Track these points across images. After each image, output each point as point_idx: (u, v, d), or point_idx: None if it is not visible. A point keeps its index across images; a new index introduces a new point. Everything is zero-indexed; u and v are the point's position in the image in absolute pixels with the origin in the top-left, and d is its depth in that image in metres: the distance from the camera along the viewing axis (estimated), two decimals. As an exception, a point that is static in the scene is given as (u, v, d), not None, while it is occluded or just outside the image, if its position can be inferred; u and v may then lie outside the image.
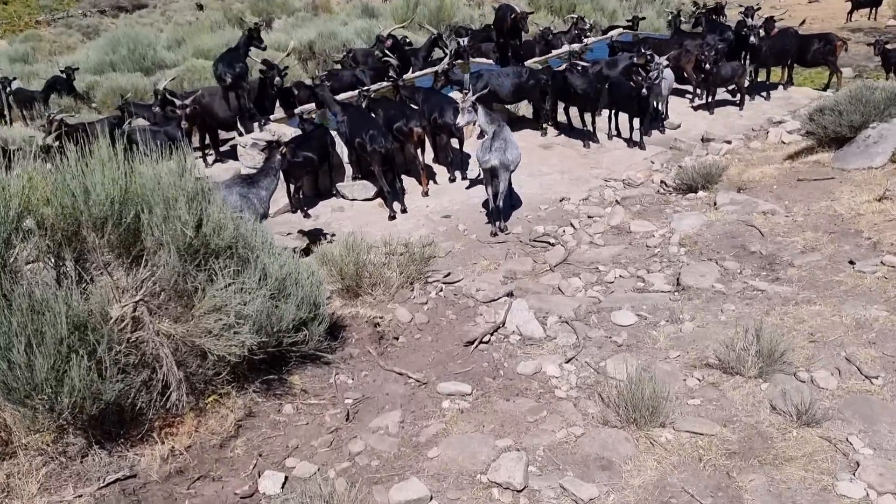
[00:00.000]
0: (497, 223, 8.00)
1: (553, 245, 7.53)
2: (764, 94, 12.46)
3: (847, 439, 3.95)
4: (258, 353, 4.46)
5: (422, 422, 4.45)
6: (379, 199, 9.14)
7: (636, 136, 10.30)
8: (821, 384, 4.44)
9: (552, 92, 10.50)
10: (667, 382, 4.45)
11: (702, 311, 5.57)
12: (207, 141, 11.00)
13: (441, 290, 6.41)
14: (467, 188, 9.41)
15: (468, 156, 9.76)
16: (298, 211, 8.98)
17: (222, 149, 11.01)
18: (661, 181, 8.88)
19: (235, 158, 10.09)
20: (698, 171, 8.40)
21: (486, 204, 8.84)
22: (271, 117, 10.38)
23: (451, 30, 15.44)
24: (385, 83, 11.04)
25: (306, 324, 4.81)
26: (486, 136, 8.01)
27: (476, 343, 5.38)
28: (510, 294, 6.22)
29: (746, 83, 12.08)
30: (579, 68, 10.18)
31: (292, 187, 8.93)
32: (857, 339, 4.85)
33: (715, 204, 7.87)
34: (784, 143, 10.58)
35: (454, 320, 5.86)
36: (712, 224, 7.21)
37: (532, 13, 13.18)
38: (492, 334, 5.52)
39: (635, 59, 10.63)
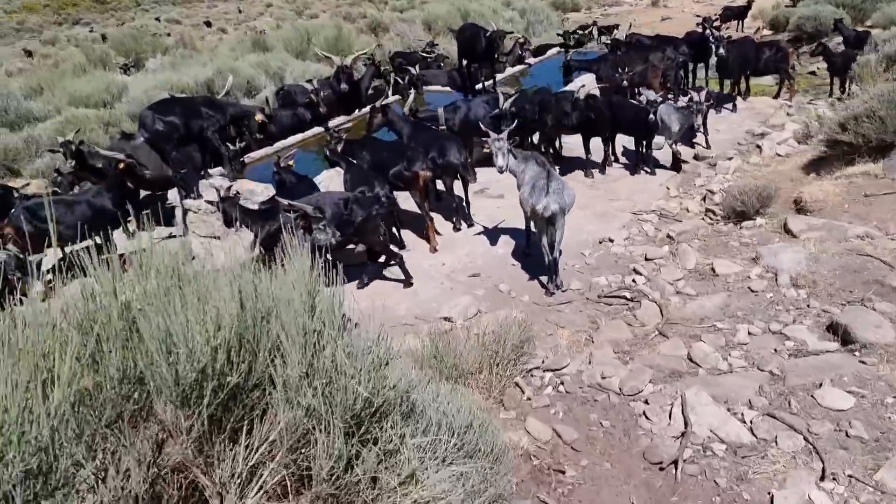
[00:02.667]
0: (554, 279, 6.58)
1: (631, 300, 6.23)
2: (729, 106, 11.94)
3: None
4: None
5: None
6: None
7: (644, 161, 9.26)
8: None
9: (549, 119, 9.23)
10: None
11: (916, 376, 4.43)
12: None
13: (560, 385, 4.88)
14: (480, 236, 7.91)
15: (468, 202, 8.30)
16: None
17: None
18: (707, 210, 7.84)
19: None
20: (750, 195, 7.42)
21: (516, 254, 7.41)
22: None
23: (396, 56, 13.84)
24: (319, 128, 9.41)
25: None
26: (531, 178, 6.59)
27: (676, 465, 3.90)
28: (655, 380, 4.80)
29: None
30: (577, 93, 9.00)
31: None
32: None
33: (790, 232, 6.91)
34: (781, 155, 10.02)
35: (611, 429, 4.35)
36: (818, 258, 6.18)
37: (508, 32, 11.81)
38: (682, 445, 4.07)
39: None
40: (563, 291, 6.58)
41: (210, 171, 8.02)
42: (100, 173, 8.54)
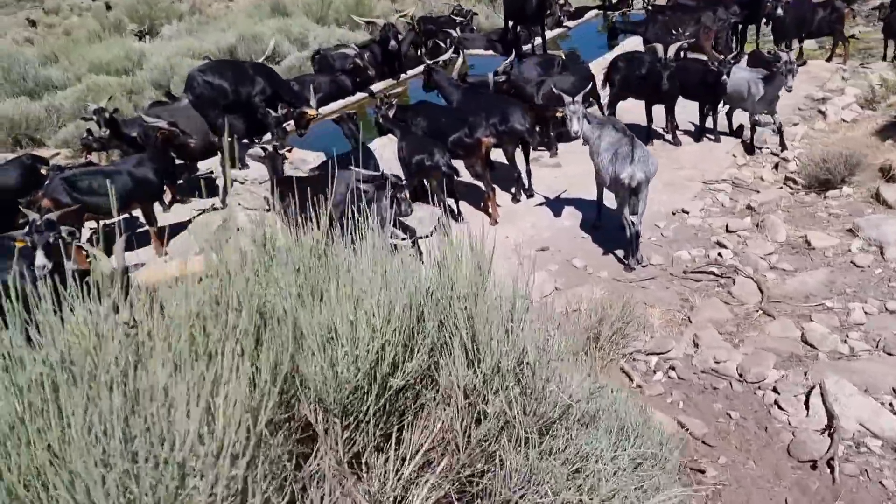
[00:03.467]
0: (635, 254, 6.13)
1: (721, 276, 5.78)
2: (784, 70, 11.34)
3: None
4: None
5: None
6: (435, 237, 6.98)
7: (709, 127, 8.71)
8: None
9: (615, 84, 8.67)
10: None
11: None
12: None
13: (671, 370, 4.45)
14: (541, 207, 7.44)
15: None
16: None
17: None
18: (787, 178, 7.35)
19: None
20: (837, 162, 6.93)
21: (584, 227, 6.94)
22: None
23: (422, 21, 13.18)
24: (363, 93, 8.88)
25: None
26: (609, 145, 6.12)
27: (830, 464, 3.49)
28: (777, 365, 4.37)
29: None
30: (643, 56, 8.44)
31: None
32: None
33: (885, 202, 6.44)
34: (846, 121, 9.50)
35: (742, 421, 3.93)
36: (927, 229, 5.72)
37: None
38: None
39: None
40: (643, 266, 6.14)
41: (256, 140, 7.53)
42: (133, 142, 8.08)
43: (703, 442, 3.76)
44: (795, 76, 7.53)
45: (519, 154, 7.50)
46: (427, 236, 6.98)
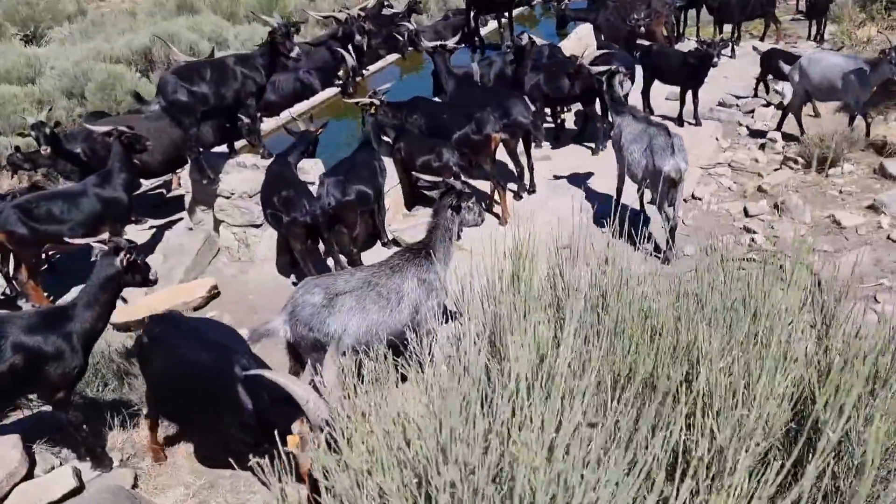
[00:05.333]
0: (672, 246, 5.91)
1: (764, 263, 5.64)
2: (727, 52, 11.56)
3: None
4: None
5: None
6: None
7: (688, 111, 8.64)
8: None
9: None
10: None
11: None
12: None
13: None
14: (546, 203, 7.10)
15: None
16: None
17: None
18: (786, 157, 7.35)
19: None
20: (838, 141, 6.99)
21: (600, 221, 6.64)
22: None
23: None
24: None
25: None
26: (636, 135, 5.87)
27: None
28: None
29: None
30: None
31: (343, 240, 5.94)
32: None
33: (891, 176, 6.55)
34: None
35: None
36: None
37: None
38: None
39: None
40: (677, 259, 5.93)
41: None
42: (76, 159, 7.09)
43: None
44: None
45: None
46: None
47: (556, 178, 7.52)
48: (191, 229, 6.87)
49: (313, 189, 5.82)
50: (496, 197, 6.80)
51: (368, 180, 5.90)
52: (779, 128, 8.13)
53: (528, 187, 7.21)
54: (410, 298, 4.00)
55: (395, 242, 6.48)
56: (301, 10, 13.02)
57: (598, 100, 7.61)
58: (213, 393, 3.29)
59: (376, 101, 6.33)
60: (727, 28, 12.26)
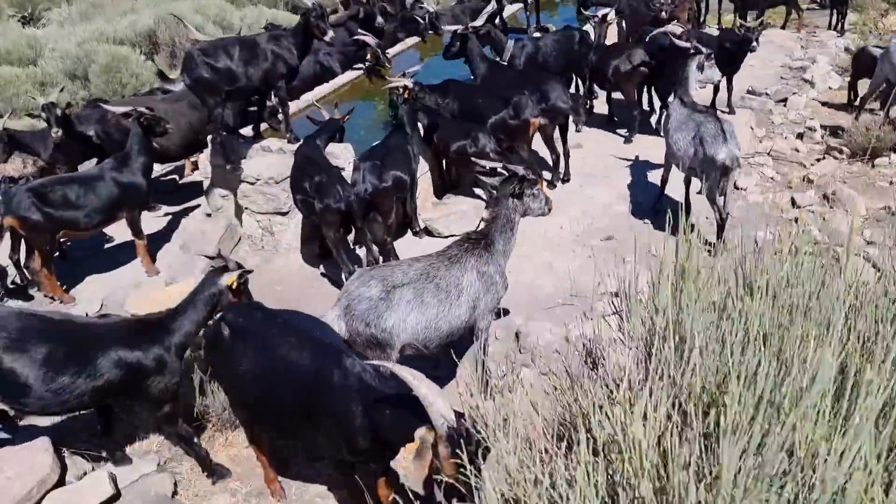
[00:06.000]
0: (721, 239, 5.64)
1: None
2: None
3: None
4: None
5: None
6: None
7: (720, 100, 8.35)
8: None
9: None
10: None
11: None
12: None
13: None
14: (583, 192, 6.81)
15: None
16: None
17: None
18: (829, 147, 7.08)
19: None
20: (886, 130, 6.73)
21: (640, 212, 6.39)
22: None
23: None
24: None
25: None
26: (681, 122, 5.60)
27: None
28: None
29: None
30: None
31: (377, 229, 5.62)
32: None
33: (944, 167, 6.30)
34: (832, 88, 9.54)
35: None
36: None
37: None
38: None
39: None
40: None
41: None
42: (90, 142, 6.74)
43: None
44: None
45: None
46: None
47: (589, 165, 7.23)
48: (209, 216, 6.54)
49: (345, 174, 5.51)
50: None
51: (405, 165, 5.59)
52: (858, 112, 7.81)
53: (561, 175, 6.91)
54: (470, 292, 3.69)
55: (427, 232, 6.19)
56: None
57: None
58: (317, 399, 2.84)
59: (409, 84, 6.01)
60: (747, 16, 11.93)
